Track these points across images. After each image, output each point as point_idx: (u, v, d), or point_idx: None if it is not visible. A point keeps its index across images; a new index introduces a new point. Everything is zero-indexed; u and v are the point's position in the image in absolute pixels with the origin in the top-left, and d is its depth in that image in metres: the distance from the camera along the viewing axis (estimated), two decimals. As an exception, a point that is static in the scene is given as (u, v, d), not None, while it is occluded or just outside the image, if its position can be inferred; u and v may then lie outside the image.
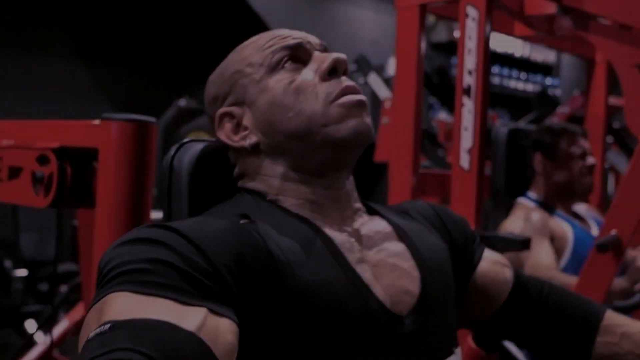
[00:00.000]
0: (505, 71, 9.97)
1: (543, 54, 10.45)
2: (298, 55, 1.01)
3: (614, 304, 2.03)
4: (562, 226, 2.43)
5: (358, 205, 1.02)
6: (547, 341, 1.16)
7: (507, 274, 1.16)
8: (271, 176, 1.00)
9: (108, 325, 0.70)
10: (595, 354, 1.13)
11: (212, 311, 0.75)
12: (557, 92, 10.35)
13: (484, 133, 2.10)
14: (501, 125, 2.58)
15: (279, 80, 0.98)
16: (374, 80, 4.76)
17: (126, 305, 0.72)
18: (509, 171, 2.53)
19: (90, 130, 1.37)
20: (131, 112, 1.37)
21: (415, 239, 1.02)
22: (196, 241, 0.80)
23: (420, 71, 2.25)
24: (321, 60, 0.99)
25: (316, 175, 0.98)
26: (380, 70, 5.46)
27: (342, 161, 0.98)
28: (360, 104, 0.96)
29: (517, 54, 10.10)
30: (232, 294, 0.78)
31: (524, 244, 1.98)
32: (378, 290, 0.92)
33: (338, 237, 0.94)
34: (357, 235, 0.97)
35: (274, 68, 1.00)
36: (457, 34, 2.24)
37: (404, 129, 2.16)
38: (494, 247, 2.00)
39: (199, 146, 1.06)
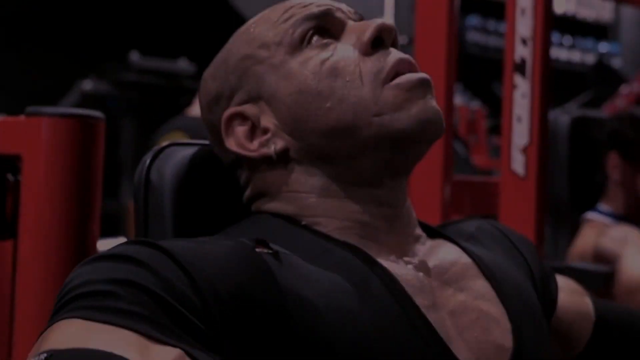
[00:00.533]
0: (544, 34, 10.17)
1: (595, 10, 10.63)
2: (327, 27, 1.03)
3: None
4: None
5: (419, 229, 1.06)
6: None
7: (589, 304, 1.23)
8: (305, 192, 1.02)
9: (44, 355, 0.75)
10: None
11: (188, 354, 0.77)
12: (616, 63, 10.54)
13: (546, 125, 2.16)
14: (561, 113, 2.65)
15: (306, 61, 1.01)
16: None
17: (72, 333, 0.77)
18: (574, 176, 2.62)
19: (11, 131, 1.38)
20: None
21: (498, 275, 1.06)
22: (185, 264, 0.83)
23: (452, 37, 2.31)
24: (360, 29, 1.02)
25: (368, 186, 1.01)
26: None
27: (403, 163, 1.02)
28: (424, 82, 0.99)
29: (559, 10, 10.27)
30: (221, 335, 0.81)
31: (607, 278, 2.04)
32: (460, 348, 0.94)
33: (401, 272, 0.97)
34: (425, 268, 1.00)
35: (297, 46, 1.02)
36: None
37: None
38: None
39: (185, 152, 1.09)
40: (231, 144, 1.04)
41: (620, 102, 4.55)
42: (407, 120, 0.97)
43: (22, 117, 1.36)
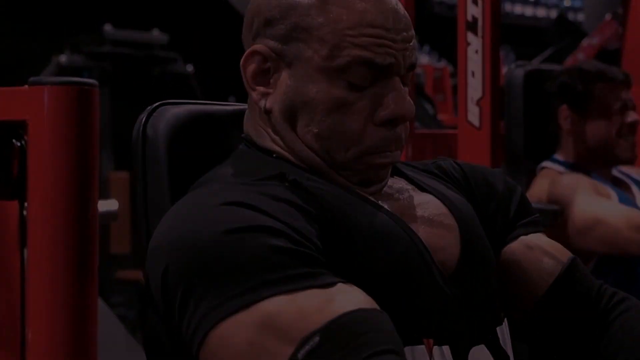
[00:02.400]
0: (508, -8, 10.22)
1: (558, -34, 10.74)
2: (376, 74, 1.17)
3: None
4: (605, 188, 2.67)
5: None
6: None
7: (549, 266, 1.32)
8: (291, 140, 1.21)
9: (317, 338, 0.93)
10: None
11: (343, 283, 1.00)
12: (580, 17, 10.67)
13: (497, 79, 2.34)
14: (516, 67, 2.79)
15: (332, 89, 1.17)
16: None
17: (304, 309, 0.96)
18: (528, 127, 2.75)
19: (15, 100, 1.51)
20: None
21: (451, 198, 1.27)
22: (275, 215, 1.02)
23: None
24: (388, 97, 1.18)
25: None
26: None
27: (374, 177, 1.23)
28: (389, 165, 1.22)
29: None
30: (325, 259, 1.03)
31: (555, 215, 2.22)
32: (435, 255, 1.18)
33: (384, 202, 1.20)
34: (396, 198, 1.23)
35: (339, 71, 1.16)
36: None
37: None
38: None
39: (176, 110, 1.27)
40: (244, 71, 1.21)
41: (581, 55, 4.59)
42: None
43: (25, 87, 1.45)
